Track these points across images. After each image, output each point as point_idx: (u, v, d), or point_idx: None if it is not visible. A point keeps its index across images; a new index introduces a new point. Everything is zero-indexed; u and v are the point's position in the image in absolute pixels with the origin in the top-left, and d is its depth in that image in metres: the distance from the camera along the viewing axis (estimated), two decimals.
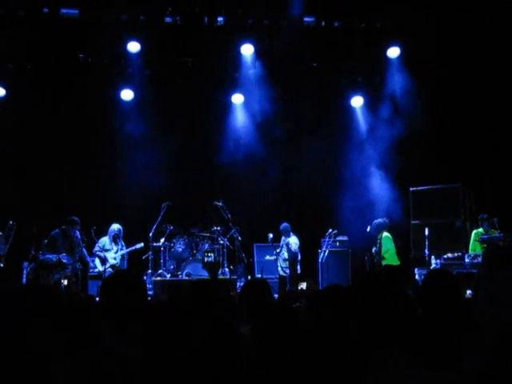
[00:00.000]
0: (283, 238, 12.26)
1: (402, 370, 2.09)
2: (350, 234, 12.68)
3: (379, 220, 11.67)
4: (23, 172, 12.75)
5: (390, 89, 12.84)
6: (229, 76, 13.21)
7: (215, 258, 12.05)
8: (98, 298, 3.83)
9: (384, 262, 10.94)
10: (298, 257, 11.99)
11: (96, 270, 11.76)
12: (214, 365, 2.81)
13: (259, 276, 12.34)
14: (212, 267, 11.92)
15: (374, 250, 11.54)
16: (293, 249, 11.90)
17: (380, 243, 11.39)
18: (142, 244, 12.10)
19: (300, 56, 12.60)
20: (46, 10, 12.02)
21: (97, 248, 11.68)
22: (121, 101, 13.12)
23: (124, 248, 12.05)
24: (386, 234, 11.49)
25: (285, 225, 12.27)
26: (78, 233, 11.14)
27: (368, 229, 11.87)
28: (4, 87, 12.67)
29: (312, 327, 2.93)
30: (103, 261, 11.62)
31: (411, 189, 12.44)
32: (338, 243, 12.68)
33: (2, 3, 11.73)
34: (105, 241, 11.88)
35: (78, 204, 11.92)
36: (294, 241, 12.02)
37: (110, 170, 12.87)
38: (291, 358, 2.81)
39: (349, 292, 3.09)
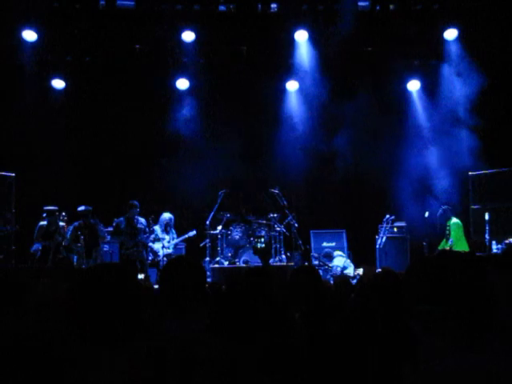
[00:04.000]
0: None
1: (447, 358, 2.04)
2: (409, 220, 12.51)
3: (443, 208, 11.47)
4: (81, 162, 13.05)
5: (447, 72, 12.60)
6: (283, 63, 13.16)
7: (266, 243, 12.11)
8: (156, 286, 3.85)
9: (454, 249, 10.76)
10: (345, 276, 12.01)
11: (149, 259, 11.94)
12: (272, 351, 2.81)
13: (316, 262, 12.34)
14: (263, 253, 11.98)
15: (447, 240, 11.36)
16: (338, 272, 11.88)
17: (449, 230, 11.20)
18: (194, 232, 12.20)
19: (355, 41, 12.45)
20: (102, 2, 12.27)
21: (151, 238, 11.87)
22: (177, 90, 13.26)
23: (175, 237, 12.21)
24: (455, 220, 11.28)
25: (326, 251, 12.39)
26: (142, 220, 11.40)
27: (426, 214, 11.70)
28: (63, 79, 12.95)
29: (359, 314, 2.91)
30: (155, 253, 11.84)
31: (470, 173, 12.19)
32: (396, 229, 12.54)
33: None
34: (157, 230, 12.06)
35: (135, 193, 12.10)
36: (337, 263, 12.04)
37: (167, 158, 13.05)
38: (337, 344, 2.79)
39: (403, 277, 3.02)
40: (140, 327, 2.47)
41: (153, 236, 11.88)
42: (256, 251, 11.92)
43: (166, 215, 12.13)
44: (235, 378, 2.46)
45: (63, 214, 11.01)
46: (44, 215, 10.86)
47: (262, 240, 11.99)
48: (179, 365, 2.42)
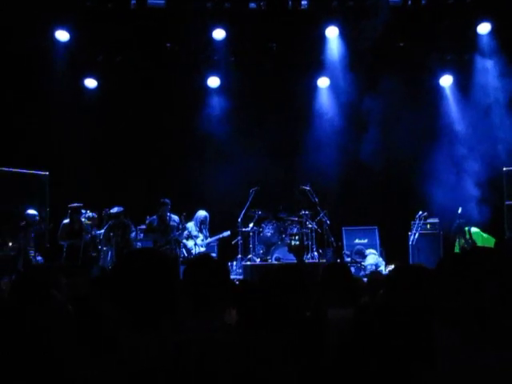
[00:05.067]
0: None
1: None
2: (442, 216, 12.38)
3: (458, 222, 11.37)
4: (114, 161, 13.15)
5: (480, 66, 12.46)
6: (314, 59, 13.14)
7: (301, 241, 12.08)
8: None
9: None
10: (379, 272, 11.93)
11: (182, 256, 11.97)
12: (304, 350, 2.79)
13: (348, 259, 12.29)
14: (298, 250, 11.94)
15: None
16: (369, 270, 11.78)
17: (471, 238, 11.09)
18: (228, 232, 12.21)
19: (386, 36, 12.35)
20: (133, 1, 12.30)
21: (184, 235, 11.91)
22: (208, 88, 13.31)
23: (208, 235, 12.25)
24: (474, 229, 11.18)
25: (358, 248, 12.35)
26: (175, 217, 11.45)
27: (459, 210, 11.60)
28: (95, 79, 13.07)
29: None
30: (188, 250, 11.90)
31: (505, 168, 12.03)
32: (428, 226, 12.40)
33: None
34: (191, 227, 12.09)
35: (167, 191, 12.14)
36: (369, 261, 11.98)
37: (198, 156, 13.09)
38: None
39: (434, 273, 2.97)
40: (171, 318, 2.47)
41: (186, 233, 11.93)
42: (291, 249, 11.90)
43: (202, 213, 12.18)
44: (250, 377, 2.45)
45: (87, 211, 11.11)
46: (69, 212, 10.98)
47: (297, 238, 11.97)
48: (193, 364, 2.42)
